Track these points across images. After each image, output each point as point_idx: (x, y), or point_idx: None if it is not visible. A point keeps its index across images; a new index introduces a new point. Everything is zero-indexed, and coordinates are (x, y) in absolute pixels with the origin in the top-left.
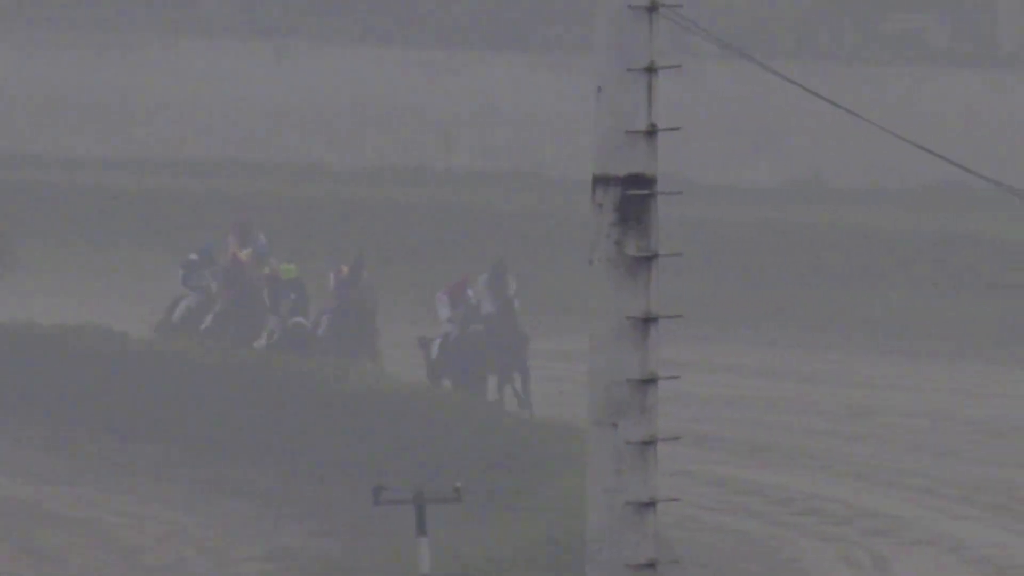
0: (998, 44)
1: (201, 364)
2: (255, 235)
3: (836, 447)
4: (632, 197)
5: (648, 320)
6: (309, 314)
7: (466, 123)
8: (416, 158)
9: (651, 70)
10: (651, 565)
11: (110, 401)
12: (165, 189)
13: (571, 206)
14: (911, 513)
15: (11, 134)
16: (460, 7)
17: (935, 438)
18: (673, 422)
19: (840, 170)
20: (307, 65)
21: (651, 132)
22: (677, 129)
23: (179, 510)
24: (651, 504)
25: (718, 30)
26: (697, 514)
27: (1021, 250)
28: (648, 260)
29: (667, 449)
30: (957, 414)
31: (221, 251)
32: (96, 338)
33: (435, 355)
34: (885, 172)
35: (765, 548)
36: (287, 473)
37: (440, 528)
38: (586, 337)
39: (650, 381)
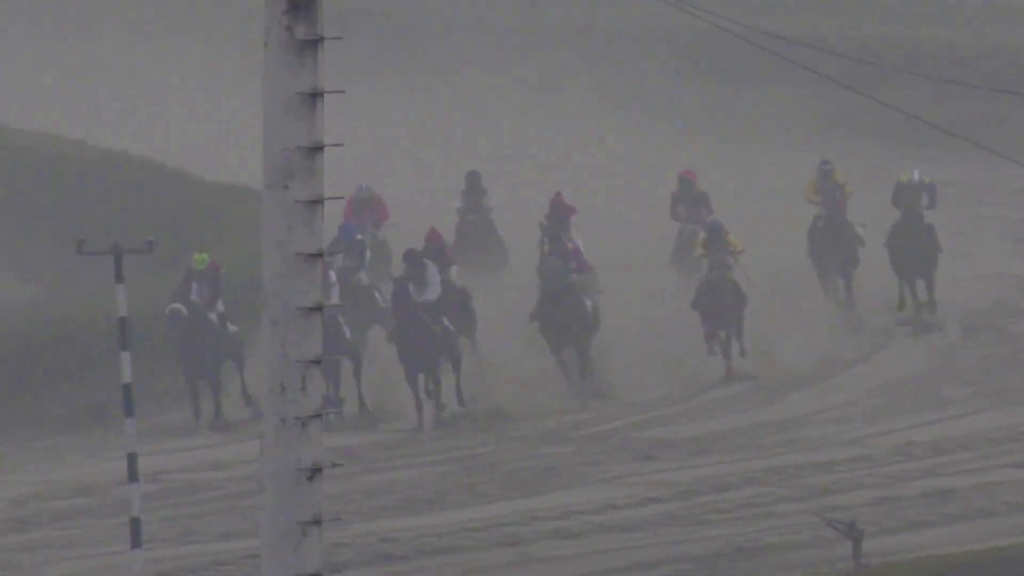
0: None
1: None
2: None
3: None
4: None
5: (315, 95)
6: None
7: None
8: None
9: None
10: (318, 308)
11: None
12: None
13: None
14: None
15: None
16: None
17: None
18: None
19: None
20: None
21: None
22: None
23: None
24: (317, 255)
25: None
26: None
27: None
28: (315, 43)
29: None
30: None
31: None
32: None
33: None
34: None
35: None
36: None
37: (136, 276)
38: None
39: (316, 149)
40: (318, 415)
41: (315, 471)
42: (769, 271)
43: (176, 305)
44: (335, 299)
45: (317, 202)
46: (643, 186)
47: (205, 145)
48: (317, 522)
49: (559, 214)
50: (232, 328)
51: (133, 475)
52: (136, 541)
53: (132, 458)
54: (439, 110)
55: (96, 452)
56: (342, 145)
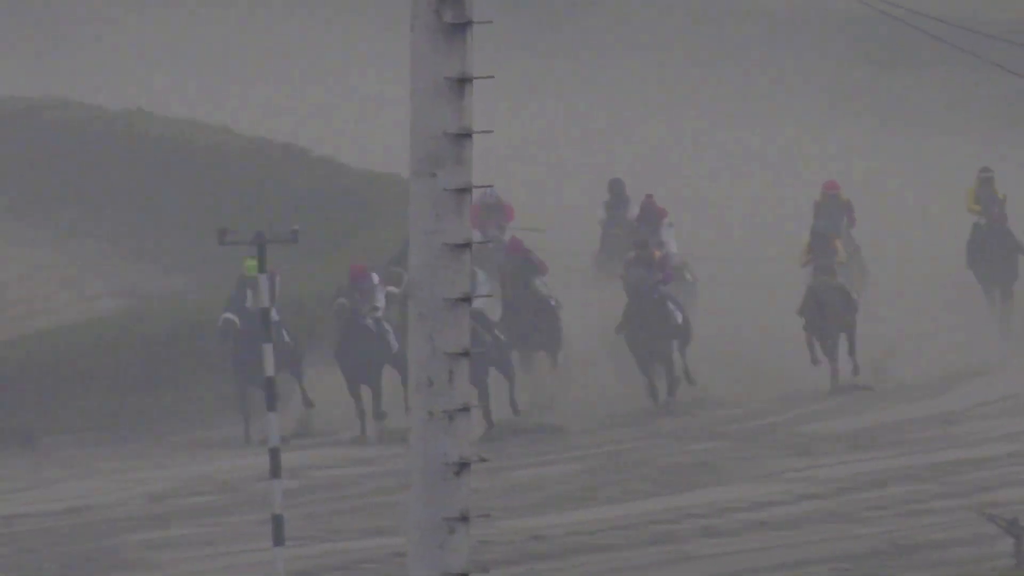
0: None
1: (64, 121)
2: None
3: None
4: None
5: (463, 80)
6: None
7: None
8: None
9: None
10: (466, 299)
11: None
12: None
13: None
14: None
15: None
16: None
17: None
18: None
19: None
20: None
21: None
22: None
23: (40, 250)
24: (465, 245)
25: None
26: None
27: None
28: (464, 26)
29: None
30: None
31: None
32: None
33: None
34: None
35: None
36: (139, 219)
37: (280, 265)
38: None
39: (465, 136)
40: (466, 409)
41: (462, 466)
42: (927, 259)
43: (228, 316)
44: (477, 304)
45: (465, 190)
46: (805, 172)
47: (351, 131)
48: (464, 519)
49: (650, 217)
50: (287, 338)
51: (275, 471)
52: (278, 538)
53: (275, 453)
54: (586, 97)
55: (237, 447)
56: (491, 132)
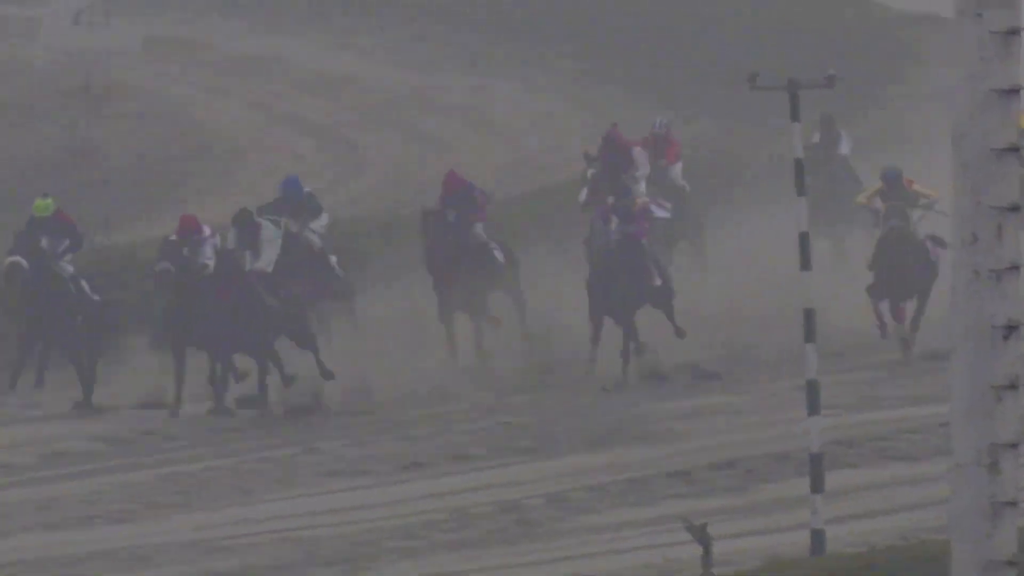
0: None
1: None
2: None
3: None
4: None
5: None
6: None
7: None
8: None
9: None
10: (1013, 149)
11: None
12: None
13: None
14: None
15: None
16: None
17: None
18: None
19: None
20: None
21: None
22: None
23: (556, 98)
24: (1014, 91)
25: None
26: None
27: None
28: None
29: None
30: None
31: None
32: None
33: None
34: None
35: None
36: (660, 63)
37: (812, 118)
38: None
39: None
40: (1015, 268)
41: (1011, 329)
42: None
43: (15, 259)
44: (264, 262)
45: (1014, 33)
46: None
47: None
48: (1014, 387)
49: (612, 153)
50: (93, 296)
51: (809, 335)
52: (813, 406)
53: (809, 315)
54: None
55: None
56: None
